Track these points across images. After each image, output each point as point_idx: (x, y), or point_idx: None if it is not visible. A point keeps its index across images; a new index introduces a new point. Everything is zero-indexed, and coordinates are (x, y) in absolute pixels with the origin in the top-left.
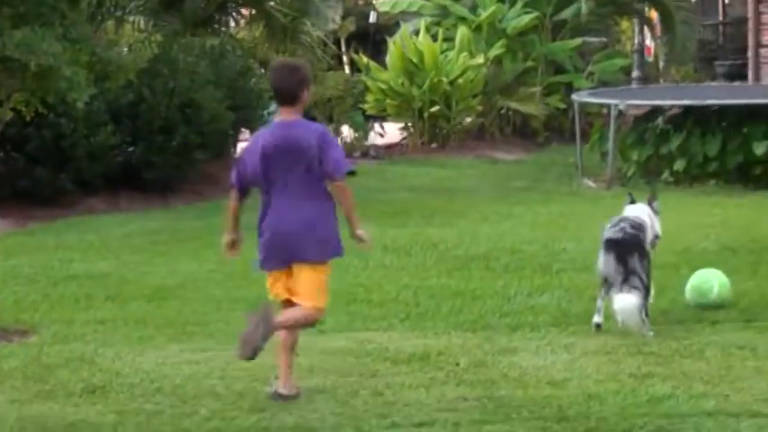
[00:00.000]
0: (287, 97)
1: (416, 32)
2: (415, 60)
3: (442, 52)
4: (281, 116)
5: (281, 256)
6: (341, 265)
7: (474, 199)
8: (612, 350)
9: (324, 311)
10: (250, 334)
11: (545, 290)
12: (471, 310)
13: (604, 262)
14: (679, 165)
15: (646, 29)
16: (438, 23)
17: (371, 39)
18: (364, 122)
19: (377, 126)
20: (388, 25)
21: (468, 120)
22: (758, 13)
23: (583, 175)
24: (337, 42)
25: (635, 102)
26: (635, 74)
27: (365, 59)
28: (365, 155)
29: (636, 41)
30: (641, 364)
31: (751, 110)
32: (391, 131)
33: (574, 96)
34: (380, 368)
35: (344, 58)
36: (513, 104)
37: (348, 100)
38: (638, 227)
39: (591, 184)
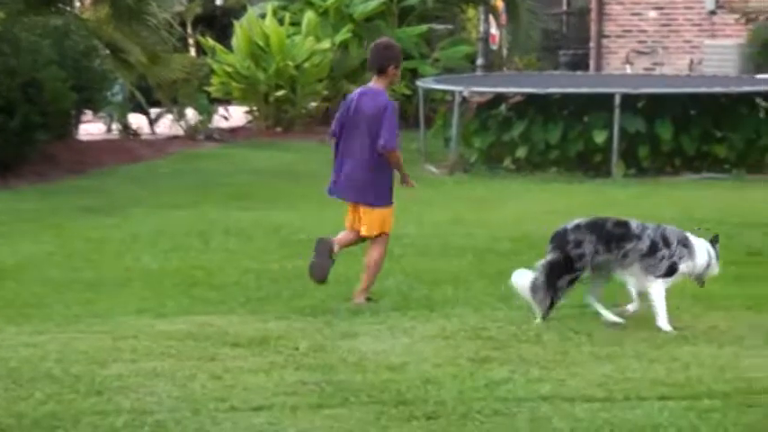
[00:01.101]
0: (375, 68)
1: (263, 16)
2: (261, 44)
3: (289, 36)
4: (371, 83)
5: (349, 196)
6: (181, 247)
7: (318, 183)
8: (451, 335)
9: (386, 236)
10: (318, 260)
11: (386, 274)
12: (313, 295)
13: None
14: (521, 152)
15: (491, 17)
16: (285, 8)
17: (218, 22)
18: (209, 105)
19: (221, 109)
20: (235, 9)
21: (314, 104)
22: (601, 4)
23: (426, 160)
24: (183, 25)
25: (479, 89)
26: (479, 61)
27: (211, 42)
28: (209, 138)
29: (481, 29)
30: (479, 349)
31: (592, 99)
32: (236, 115)
33: (419, 83)
34: (220, 352)
35: (190, 41)
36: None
37: (193, 82)
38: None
39: (434, 169)
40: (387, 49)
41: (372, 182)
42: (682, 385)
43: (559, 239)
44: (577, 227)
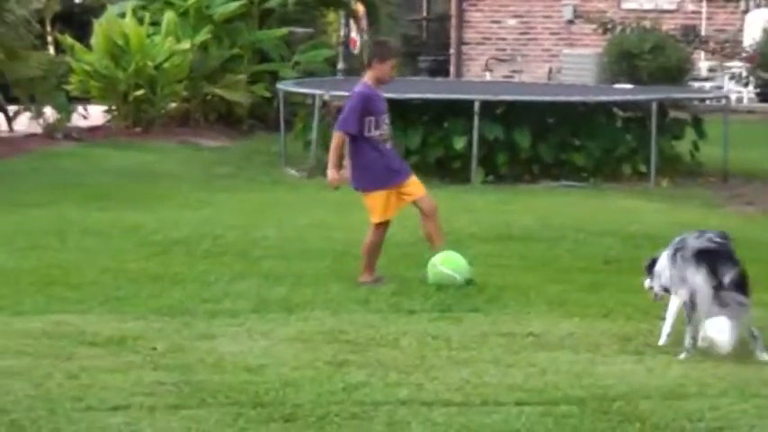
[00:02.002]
0: (366, 62)
1: (123, 15)
2: (120, 43)
3: (149, 36)
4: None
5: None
6: (38, 245)
7: (177, 184)
8: (309, 338)
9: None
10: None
11: (245, 276)
12: (171, 296)
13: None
14: None
15: (352, 22)
16: (145, 7)
17: (77, 20)
18: (68, 104)
19: (80, 108)
20: (95, 7)
21: (173, 105)
22: (461, 11)
23: (286, 163)
24: (42, 22)
25: (339, 93)
26: (340, 65)
27: (70, 40)
28: (68, 136)
29: (342, 34)
30: (337, 352)
31: (452, 105)
32: (95, 114)
33: (279, 85)
34: (77, 351)
35: (49, 39)
36: (219, 91)
37: (52, 80)
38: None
39: (293, 172)
40: (374, 45)
41: (353, 167)
42: (539, 391)
43: (730, 252)
44: (724, 235)
